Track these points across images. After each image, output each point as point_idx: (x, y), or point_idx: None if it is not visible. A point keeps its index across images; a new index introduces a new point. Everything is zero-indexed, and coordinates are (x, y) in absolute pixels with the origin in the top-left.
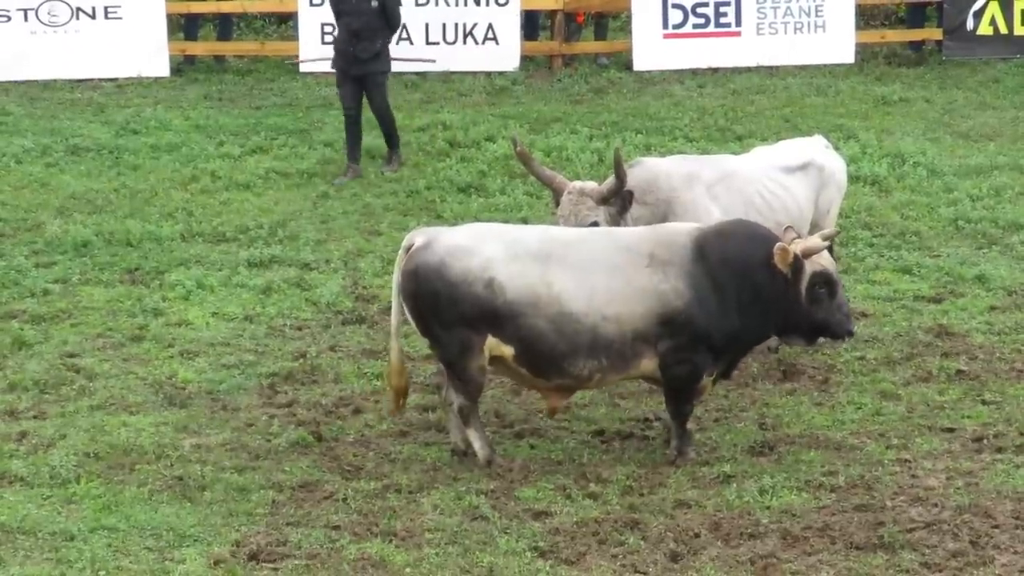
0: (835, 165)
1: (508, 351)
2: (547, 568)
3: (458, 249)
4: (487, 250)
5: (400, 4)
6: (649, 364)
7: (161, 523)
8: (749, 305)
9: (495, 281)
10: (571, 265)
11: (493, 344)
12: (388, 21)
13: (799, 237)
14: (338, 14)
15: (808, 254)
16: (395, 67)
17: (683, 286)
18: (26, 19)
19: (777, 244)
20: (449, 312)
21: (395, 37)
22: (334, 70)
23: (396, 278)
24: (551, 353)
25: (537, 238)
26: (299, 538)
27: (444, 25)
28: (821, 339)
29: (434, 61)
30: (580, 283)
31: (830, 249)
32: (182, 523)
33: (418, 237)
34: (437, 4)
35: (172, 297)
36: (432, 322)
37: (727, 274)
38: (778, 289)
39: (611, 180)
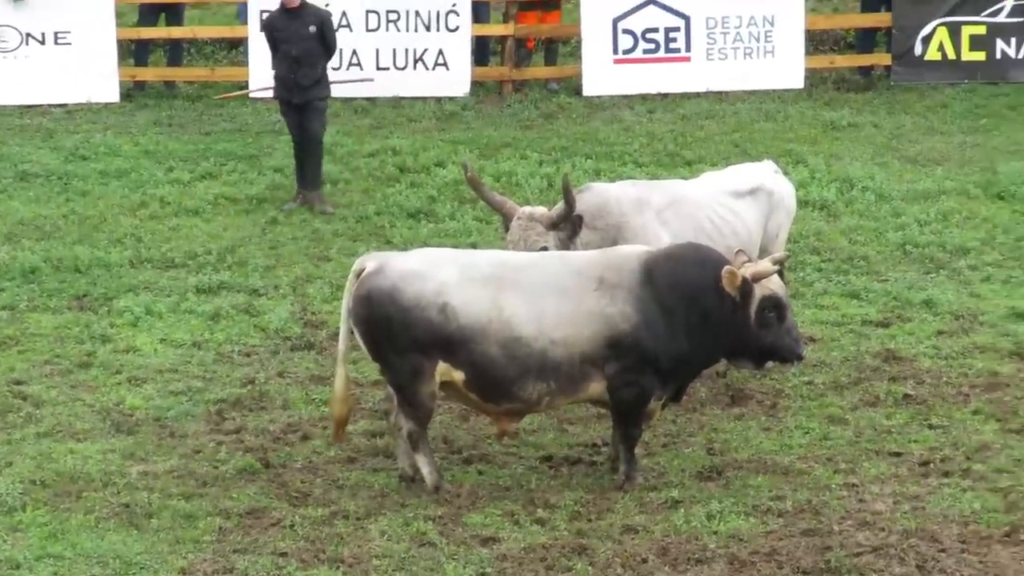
0: (784, 190)
1: (459, 376)
2: None
3: (411, 274)
4: (441, 275)
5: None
6: (597, 387)
7: (108, 551)
8: (697, 328)
9: (449, 306)
10: (522, 289)
11: (444, 369)
12: (326, 46)
13: (750, 260)
14: (275, 43)
15: (758, 278)
16: (343, 92)
17: (631, 309)
18: None
19: (725, 268)
20: (402, 337)
21: (345, 62)
22: (277, 99)
23: (346, 303)
24: (501, 378)
25: (489, 262)
26: (246, 565)
27: (394, 50)
28: (770, 363)
29: (372, 80)
30: (530, 307)
31: (780, 273)
32: (129, 551)
33: (369, 262)
34: (387, 29)
35: (120, 323)
36: (384, 347)
37: (675, 297)
38: (727, 313)
39: (560, 205)
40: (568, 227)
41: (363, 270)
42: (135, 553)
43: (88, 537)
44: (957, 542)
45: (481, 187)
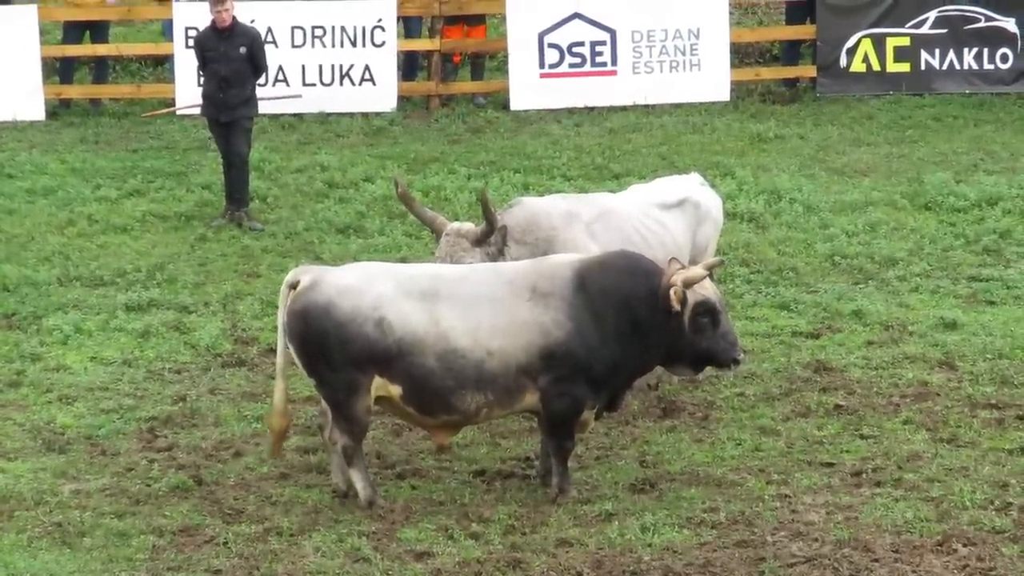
0: (711, 202)
1: (396, 391)
2: None
3: (347, 288)
4: (376, 288)
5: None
6: (532, 398)
7: (41, 570)
8: (630, 336)
9: (385, 320)
10: (457, 301)
11: (379, 384)
12: (255, 67)
13: (683, 267)
14: (205, 61)
15: (689, 284)
16: (269, 108)
17: (563, 317)
18: None
19: (670, 289)
20: (338, 352)
21: (271, 79)
22: (204, 117)
23: (281, 318)
24: (439, 390)
25: (424, 275)
26: None
27: (320, 66)
28: (708, 368)
29: (300, 96)
30: (466, 319)
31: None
32: (62, 570)
33: (303, 276)
34: (314, 45)
35: (50, 342)
36: (319, 362)
37: (607, 305)
38: (660, 320)
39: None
40: (497, 240)
41: (296, 283)
42: (68, 572)
43: (21, 556)
44: (890, 552)
45: (412, 203)
